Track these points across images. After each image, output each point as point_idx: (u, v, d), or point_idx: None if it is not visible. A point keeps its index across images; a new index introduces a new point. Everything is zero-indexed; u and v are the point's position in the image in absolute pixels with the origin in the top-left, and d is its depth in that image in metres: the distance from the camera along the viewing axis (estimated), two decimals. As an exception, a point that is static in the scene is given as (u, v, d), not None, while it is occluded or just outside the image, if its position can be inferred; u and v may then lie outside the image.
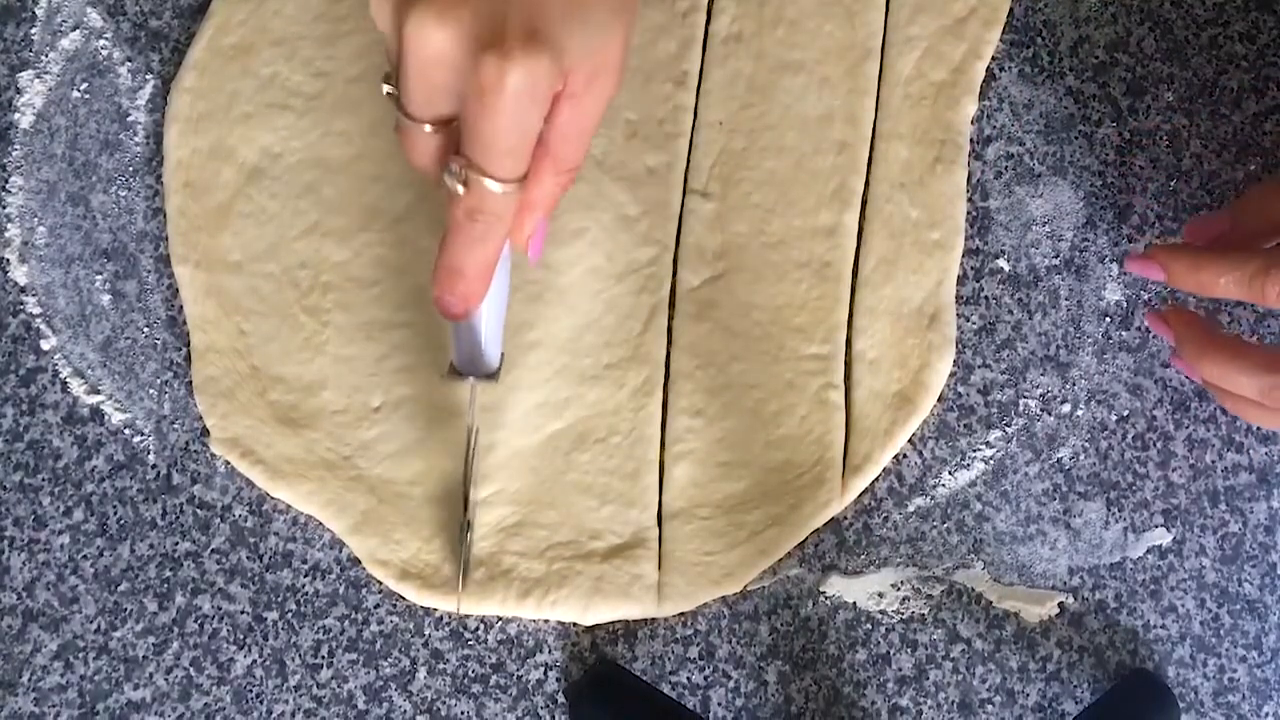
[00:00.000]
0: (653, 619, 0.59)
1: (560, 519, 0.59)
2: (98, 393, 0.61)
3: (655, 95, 0.62)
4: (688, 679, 0.58)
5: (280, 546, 0.60)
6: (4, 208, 0.63)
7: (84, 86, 0.64)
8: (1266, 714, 0.57)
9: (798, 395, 0.60)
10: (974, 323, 0.61)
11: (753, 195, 0.61)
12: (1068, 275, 0.61)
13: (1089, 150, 0.62)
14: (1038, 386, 0.60)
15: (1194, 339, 0.53)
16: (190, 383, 0.61)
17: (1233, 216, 0.55)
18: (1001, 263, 0.61)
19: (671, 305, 0.61)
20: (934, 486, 0.60)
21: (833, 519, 0.59)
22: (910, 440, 0.60)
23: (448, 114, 0.47)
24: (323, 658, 0.59)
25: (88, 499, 0.60)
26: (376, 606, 0.59)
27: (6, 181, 0.63)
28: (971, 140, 0.62)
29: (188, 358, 0.61)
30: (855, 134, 0.62)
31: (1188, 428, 0.60)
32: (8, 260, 0.62)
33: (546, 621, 0.59)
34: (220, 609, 0.59)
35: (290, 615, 0.59)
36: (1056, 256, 0.61)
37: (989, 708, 0.58)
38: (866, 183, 0.62)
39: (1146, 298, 0.61)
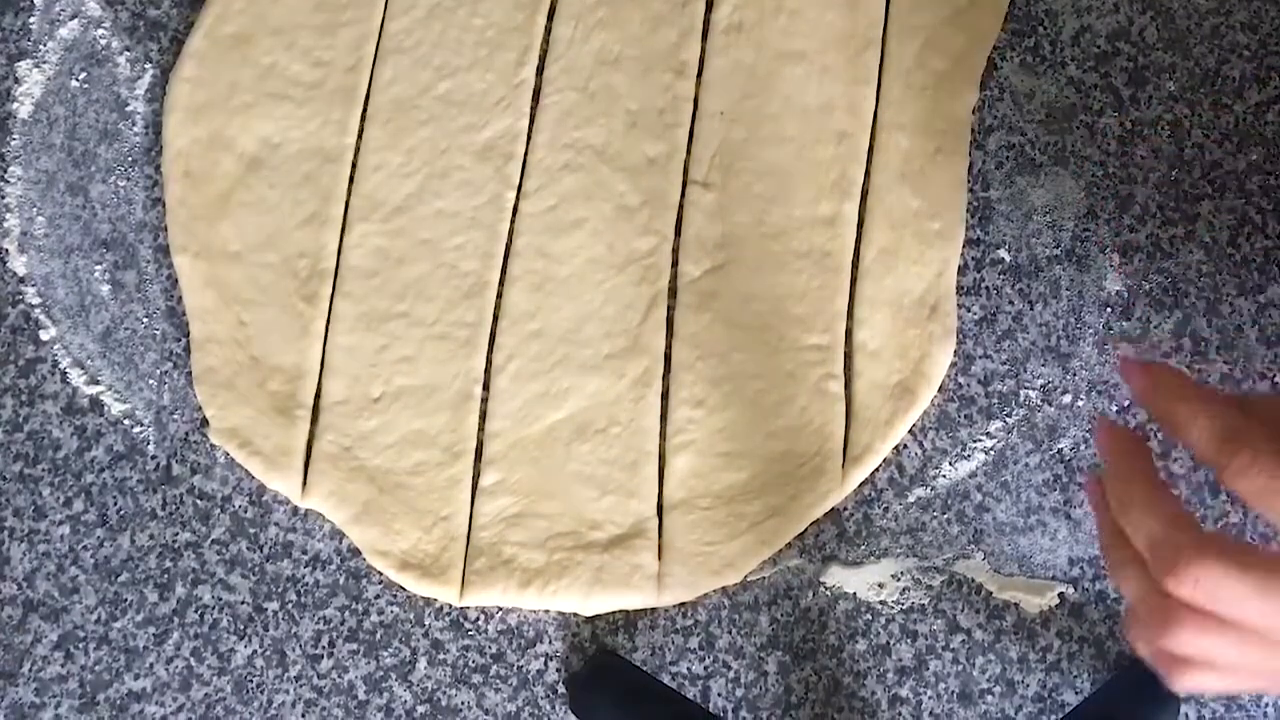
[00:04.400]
0: (653, 609, 0.59)
1: (561, 509, 0.59)
2: (97, 383, 0.61)
3: (655, 85, 0.62)
4: (688, 669, 0.58)
5: (280, 537, 0.60)
6: (3, 198, 0.63)
7: (83, 76, 0.64)
8: (1266, 704, 0.57)
9: (798, 386, 0.59)
10: (975, 313, 0.61)
11: (753, 185, 0.61)
12: (1069, 265, 0.61)
13: (1090, 140, 0.62)
14: (1038, 377, 0.60)
15: (1119, 475, 0.44)
16: (190, 373, 0.61)
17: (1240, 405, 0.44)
18: (1002, 253, 0.61)
19: (672, 296, 0.61)
20: (934, 477, 0.60)
21: (833, 509, 0.59)
22: (911, 431, 0.60)
23: None
24: (323, 648, 0.59)
25: (88, 489, 0.60)
26: (377, 597, 0.59)
27: (5, 171, 0.63)
28: (973, 130, 0.62)
29: (187, 348, 0.61)
30: (856, 124, 0.62)
31: (1188, 418, 0.60)
32: (7, 250, 0.62)
33: (547, 612, 0.59)
34: (221, 599, 0.59)
35: (291, 606, 0.59)
36: (1058, 247, 0.61)
37: (989, 698, 0.58)
38: (867, 173, 0.61)
39: (1148, 287, 0.60)
